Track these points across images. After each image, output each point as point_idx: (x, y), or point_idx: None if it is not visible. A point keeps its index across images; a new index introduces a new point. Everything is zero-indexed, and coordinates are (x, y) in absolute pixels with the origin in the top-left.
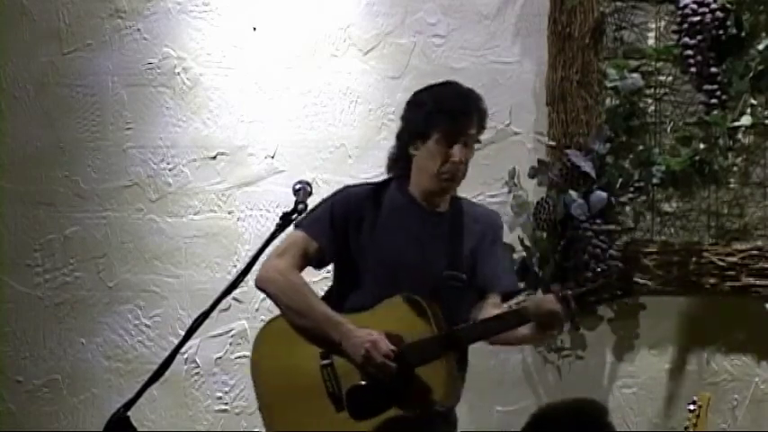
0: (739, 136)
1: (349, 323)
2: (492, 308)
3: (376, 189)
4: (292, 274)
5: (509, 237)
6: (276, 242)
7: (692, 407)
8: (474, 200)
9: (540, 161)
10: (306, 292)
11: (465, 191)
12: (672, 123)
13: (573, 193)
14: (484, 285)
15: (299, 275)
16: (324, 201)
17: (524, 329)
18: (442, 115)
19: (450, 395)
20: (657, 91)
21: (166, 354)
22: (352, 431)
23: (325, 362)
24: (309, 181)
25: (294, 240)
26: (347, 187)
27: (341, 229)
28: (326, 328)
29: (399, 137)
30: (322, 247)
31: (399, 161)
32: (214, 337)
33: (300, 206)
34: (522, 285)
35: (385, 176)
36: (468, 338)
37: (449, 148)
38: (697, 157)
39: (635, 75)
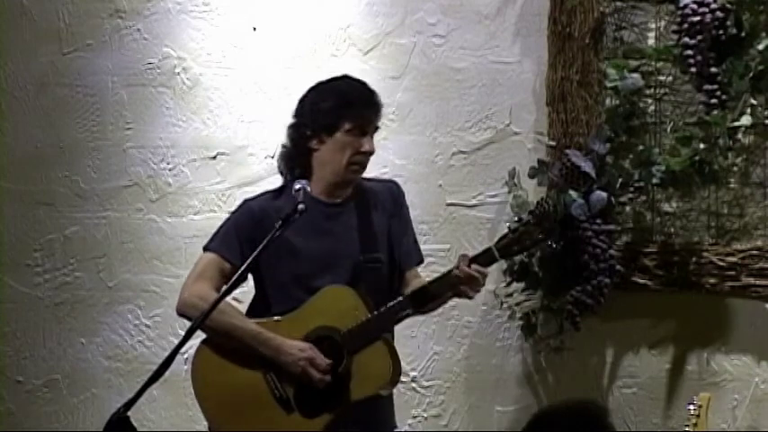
0: (739, 136)
1: (277, 337)
2: (414, 280)
3: (274, 196)
4: (212, 297)
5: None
6: (190, 269)
7: (692, 407)
8: (474, 200)
9: (540, 161)
10: (229, 312)
11: (465, 191)
12: (672, 123)
13: (573, 193)
14: (403, 262)
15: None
16: (227, 220)
17: (445, 295)
18: (352, 107)
19: (396, 375)
20: (657, 91)
21: (166, 354)
22: (308, 429)
23: (266, 370)
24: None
25: (207, 263)
26: (246, 201)
27: (249, 245)
28: (256, 345)
29: (295, 132)
30: (235, 266)
31: (294, 158)
32: None
33: (300, 206)
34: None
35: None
36: (399, 313)
37: (360, 139)
38: (697, 157)
39: (635, 75)
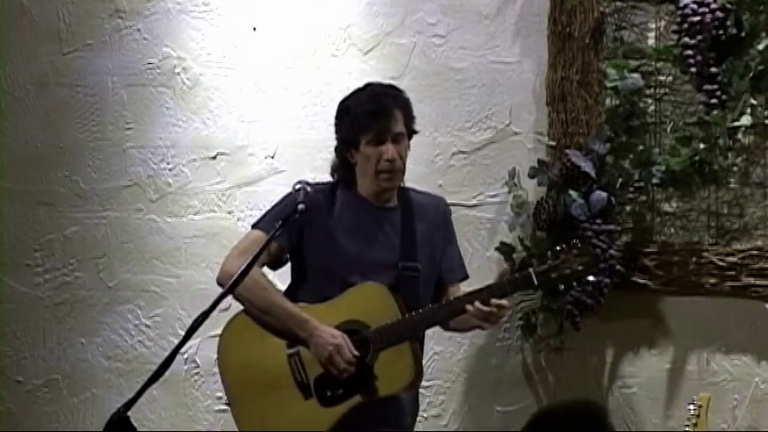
0: (739, 136)
1: (314, 320)
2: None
3: (328, 189)
4: (255, 272)
5: (509, 237)
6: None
7: (692, 407)
8: (474, 200)
9: (540, 161)
10: (270, 290)
11: (465, 191)
12: (672, 123)
13: (573, 193)
14: (445, 277)
15: (261, 273)
16: (280, 201)
17: (474, 320)
18: (362, 120)
19: (417, 379)
20: (657, 91)
21: (166, 354)
22: (321, 418)
23: (292, 351)
24: (309, 181)
25: (255, 239)
26: (301, 183)
27: (297, 229)
28: (292, 325)
29: (336, 149)
30: (282, 246)
31: (341, 171)
32: (214, 337)
33: (300, 206)
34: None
35: None
36: (429, 322)
37: (379, 148)
38: (697, 157)
39: (635, 75)
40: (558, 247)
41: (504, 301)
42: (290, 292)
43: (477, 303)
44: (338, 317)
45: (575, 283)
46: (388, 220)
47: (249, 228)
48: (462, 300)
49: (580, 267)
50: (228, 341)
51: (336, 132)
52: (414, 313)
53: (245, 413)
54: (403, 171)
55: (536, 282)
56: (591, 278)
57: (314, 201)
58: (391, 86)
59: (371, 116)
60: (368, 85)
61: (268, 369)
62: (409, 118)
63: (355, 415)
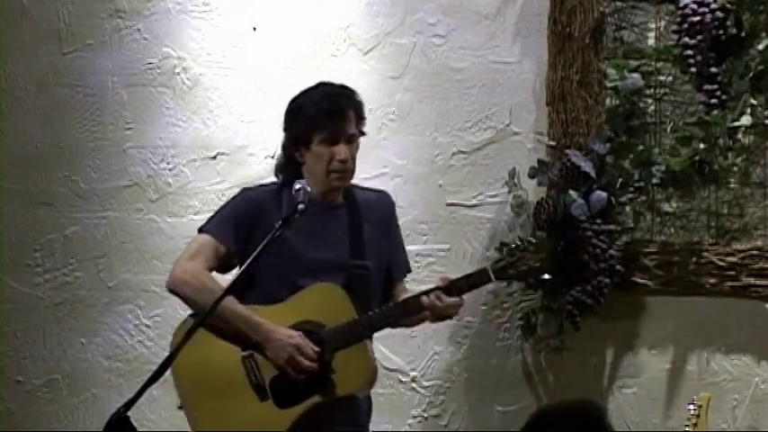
0: (739, 136)
1: (268, 323)
2: (402, 292)
3: (275, 190)
4: (205, 276)
5: (509, 237)
6: (185, 246)
7: (692, 407)
8: (474, 200)
9: (540, 161)
10: (219, 293)
11: (465, 191)
12: (672, 123)
13: (573, 193)
14: (394, 274)
15: (212, 278)
16: (225, 204)
17: (427, 316)
18: (317, 119)
19: (372, 379)
20: (657, 91)
21: (166, 354)
22: (278, 420)
23: (246, 353)
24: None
25: (203, 243)
26: (245, 189)
27: (245, 231)
28: (245, 329)
29: (284, 146)
30: (230, 250)
31: (287, 168)
32: None
33: (300, 206)
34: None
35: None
36: (385, 321)
37: (332, 148)
38: (697, 157)
39: (635, 75)
40: (514, 244)
41: (458, 299)
42: (240, 295)
43: (432, 297)
44: (292, 318)
45: (531, 280)
46: (335, 218)
47: None
48: (418, 298)
49: (537, 264)
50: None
51: (286, 131)
52: (370, 313)
53: (199, 417)
54: (353, 171)
55: (492, 278)
56: (546, 276)
57: (260, 202)
58: (344, 86)
59: (327, 115)
60: (320, 85)
61: (222, 372)
62: (361, 119)
63: (312, 416)
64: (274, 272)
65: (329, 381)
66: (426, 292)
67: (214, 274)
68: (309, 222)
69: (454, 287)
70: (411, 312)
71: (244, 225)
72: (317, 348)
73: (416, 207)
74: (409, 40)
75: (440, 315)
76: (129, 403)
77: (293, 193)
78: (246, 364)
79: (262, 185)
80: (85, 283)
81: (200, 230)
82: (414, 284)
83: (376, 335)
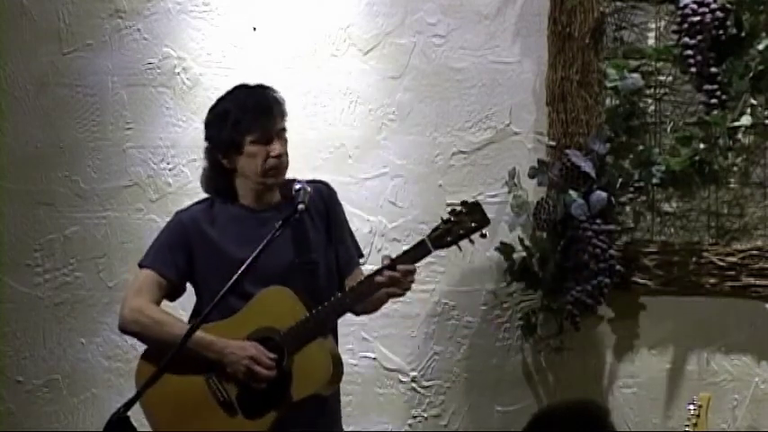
0: (739, 136)
1: (221, 340)
2: (360, 278)
3: (206, 207)
4: (152, 310)
5: (509, 237)
6: (128, 284)
7: (692, 407)
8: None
9: (540, 161)
10: (170, 323)
11: (465, 191)
12: (672, 123)
13: (573, 193)
14: (344, 265)
15: (158, 310)
16: (160, 233)
17: (381, 294)
18: (247, 120)
19: (335, 375)
20: (657, 91)
21: None
22: (252, 431)
23: (207, 375)
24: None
25: (144, 278)
26: (177, 213)
27: (183, 256)
28: (200, 350)
29: (209, 155)
30: (171, 280)
31: (214, 177)
32: None
33: (300, 206)
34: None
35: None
36: (336, 313)
37: (266, 147)
38: (697, 157)
39: (635, 75)
40: (448, 211)
41: (410, 266)
42: (199, 316)
43: (385, 273)
44: (246, 328)
45: (470, 239)
46: (272, 220)
47: None
48: (364, 282)
49: (473, 224)
50: (142, 380)
51: (210, 139)
52: (320, 308)
53: None
54: (287, 166)
55: (431, 248)
56: (485, 231)
57: (192, 221)
58: (263, 85)
59: (257, 114)
60: (238, 87)
61: (188, 396)
62: (284, 115)
63: (284, 422)
64: (223, 285)
65: (293, 383)
66: (375, 273)
67: (164, 302)
68: (248, 230)
69: (398, 263)
70: (363, 296)
71: (181, 249)
72: (272, 355)
73: (416, 207)
74: (409, 40)
75: (397, 284)
76: (129, 403)
77: (293, 192)
78: (210, 384)
79: (195, 203)
80: (85, 283)
81: (140, 265)
82: (414, 285)
83: (374, 335)
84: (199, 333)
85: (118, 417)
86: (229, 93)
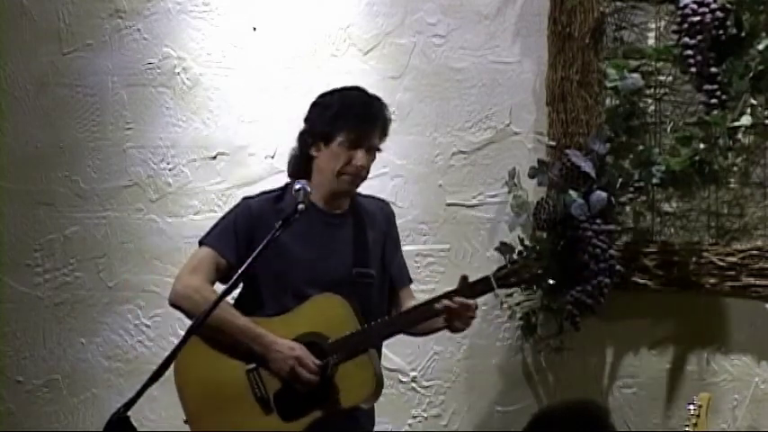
0: (739, 136)
1: (270, 335)
2: (408, 299)
3: (275, 198)
4: (206, 291)
5: (509, 237)
6: (185, 260)
7: (692, 407)
8: (474, 200)
9: (540, 161)
10: (222, 307)
11: (465, 191)
12: (672, 123)
13: (573, 193)
14: (396, 282)
15: (213, 291)
16: (225, 215)
17: (438, 322)
18: (347, 119)
19: (377, 391)
20: (657, 91)
21: (166, 354)
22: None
23: (250, 367)
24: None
25: (204, 257)
26: (245, 199)
27: (246, 243)
28: (247, 341)
29: (301, 138)
30: (230, 263)
31: (299, 162)
32: None
33: (300, 206)
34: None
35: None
36: (388, 331)
37: (352, 152)
38: (697, 157)
39: (635, 75)
40: (517, 251)
41: (470, 301)
42: (243, 307)
43: (444, 302)
44: (295, 329)
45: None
46: (339, 227)
47: None
48: (419, 308)
49: (539, 271)
50: (186, 357)
51: (307, 121)
52: (372, 323)
53: (204, 429)
54: (363, 180)
55: (495, 286)
56: (551, 281)
57: (259, 212)
58: (378, 98)
59: (358, 117)
60: (356, 88)
61: (226, 385)
62: (384, 135)
63: (316, 428)
64: (279, 283)
65: (334, 393)
66: (436, 299)
67: (217, 285)
68: (314, 231)
69: (457, 295)
70: (416, 322)
71: (244, 235)
72: (318, 361)
73: (416, 207)
74: (409, 40)
75: (457, 316)
76: (129, 403)
77: (293, 193)
78: (251, 378)
79: (263, 193)
80: (85, 283)
81: (201, 243)
82: (414, 285)
83: None
84: (249, 323)
85: (118, 417)
86: (346, 89)
